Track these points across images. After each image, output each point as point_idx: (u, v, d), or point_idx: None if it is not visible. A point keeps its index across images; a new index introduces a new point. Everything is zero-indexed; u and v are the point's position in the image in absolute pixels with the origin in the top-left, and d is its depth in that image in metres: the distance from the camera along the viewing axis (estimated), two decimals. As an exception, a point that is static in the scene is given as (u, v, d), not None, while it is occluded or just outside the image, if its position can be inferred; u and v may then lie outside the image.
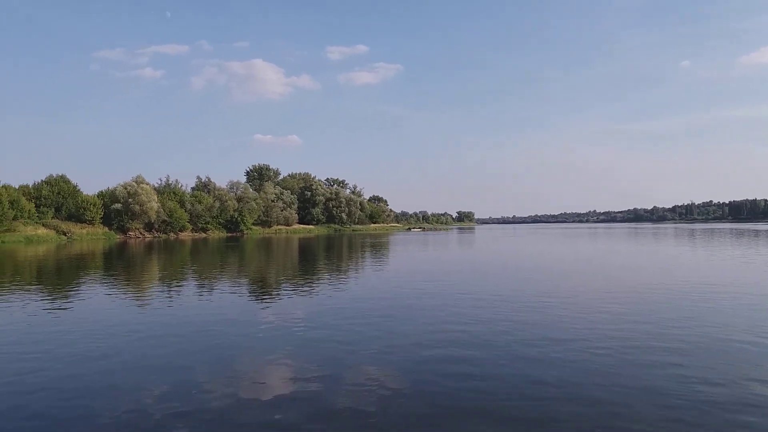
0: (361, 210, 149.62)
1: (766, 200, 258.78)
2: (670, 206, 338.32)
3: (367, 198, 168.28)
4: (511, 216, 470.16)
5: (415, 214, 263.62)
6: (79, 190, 77.64)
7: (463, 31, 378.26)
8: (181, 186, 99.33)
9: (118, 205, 78.72)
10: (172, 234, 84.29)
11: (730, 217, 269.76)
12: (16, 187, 70.08)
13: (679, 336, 9.53)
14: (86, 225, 74.07)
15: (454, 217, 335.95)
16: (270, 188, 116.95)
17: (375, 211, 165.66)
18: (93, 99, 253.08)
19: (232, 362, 8.28)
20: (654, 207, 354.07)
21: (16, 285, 18.90)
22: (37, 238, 63.24)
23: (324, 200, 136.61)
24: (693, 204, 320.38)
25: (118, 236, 76.64)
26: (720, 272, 21.00)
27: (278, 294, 16.56)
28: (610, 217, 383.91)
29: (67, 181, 76.76)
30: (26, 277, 22.34)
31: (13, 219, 62.29)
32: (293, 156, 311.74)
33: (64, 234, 67.89)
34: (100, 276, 22.63)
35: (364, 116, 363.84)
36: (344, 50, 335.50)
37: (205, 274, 23.09)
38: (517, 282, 19.07)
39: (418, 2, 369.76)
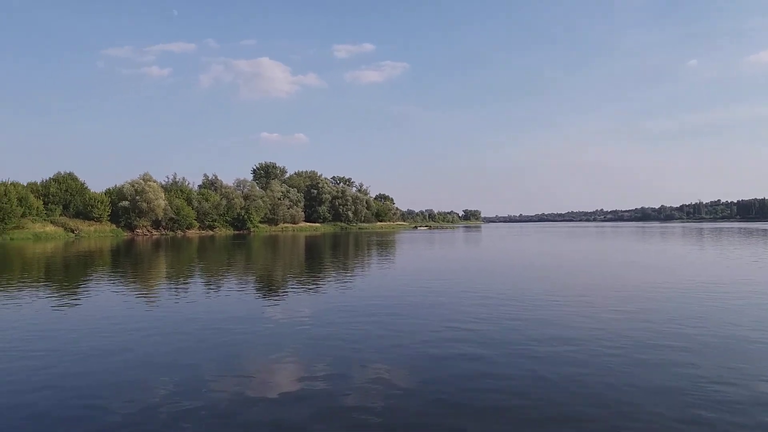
0: (367, 208, 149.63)
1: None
2: (678, 205, 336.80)
3: (374, 196, 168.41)
4: (517, 215, 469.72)
5: (422, 212, 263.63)
6: (86, 187, 78.04)
7: (470, 29, 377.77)
8: (188, 184, 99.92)
9: (125, 203, 79.05)
10: (179, 231, 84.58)
11: (738, 217, 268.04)
12: (25, 184, 70.50)
13: (691, 335, 9.44)
14: (94, 222, 74.41)
15: (460, 215, 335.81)
16: (276, 186, 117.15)
17: (381, 209, 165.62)
18: (100, 97, 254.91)
19: (239, 360, 8.27)
20: (662, 206, 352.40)
21: (25, 282, 18.98)
22: (46, 235, 63.59)
23: (330, 198, 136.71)
24: (701, 203, 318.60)
25: (126, 234, 76.94)
26: (729, 271, 20.82)
27: (285, 292, 16.56)
28: (617, 216, 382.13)
29: (74, 179, 77.13)
30: (34, 274, 22.44)
31: (21, 216, 62.61)
32: (300, 154, 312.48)
33: (72, 231, 68.23)
34: (107, 273, 22.71)
35: (371, 114, 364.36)
36: (351, 48, 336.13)
37: (213, 272, 23.13)
38: (525, 280, 18.97)
39: (424, 0, 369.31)
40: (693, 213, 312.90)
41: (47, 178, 75.86)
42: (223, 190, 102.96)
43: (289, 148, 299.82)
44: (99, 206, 75.31)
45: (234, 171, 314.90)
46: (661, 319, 10.99)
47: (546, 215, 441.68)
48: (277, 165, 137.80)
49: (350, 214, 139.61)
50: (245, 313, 12.54)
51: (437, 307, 13.05)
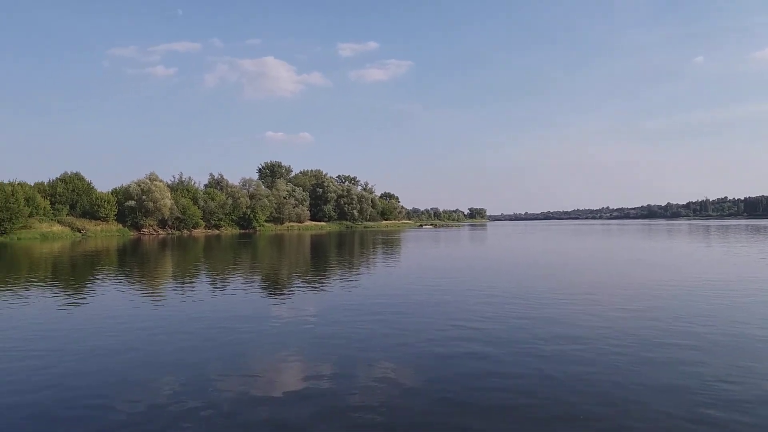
0: (372, 207, 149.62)
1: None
2: (684, 203, 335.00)
3: (379, 195, 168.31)
4: (523, 213, 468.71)
5: (427, 210, 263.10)
6: (93, 187, 78.31)
7: (474, 27, 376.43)
8: (194, 183, 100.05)
9: (131, 202, 79.36)
10: (185, 231, 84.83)
11: (745, 214, 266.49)
12: (32, 184, 70.90)
13: (698, 333, 9.38)
14: (100, 222, 74.76)
15: (465, 213, 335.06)
16: (282, 185, 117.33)
17: (386, 207, 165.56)
18: (106, 97, 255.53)
19: (244, 359, 8.28)
20: (668, 203, 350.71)
21: (31, 281, 19.08)
22: (52, 234, 63.90)
23: (336, 197, 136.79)
24: (707, 200, 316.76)
25: (132, 233, 77.22)
26: (736, 269, 20.69)
27: (290, 290, 16.58)
28: (623, 214, 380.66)
29: (81, 179, 77.45)
30: (41, 273, 22.55)
31: (28, 216, 62.93)
32: (305, 153, 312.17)
33: (79, 231, 68.53)
34: (113, 272, 22.80)
35: (376, 113, 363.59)
36: (355, 47, 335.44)
37: (218, 271, 23.18)
38: (531, 278, 18.92)
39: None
40: (700, 210, 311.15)
41: (54, 178, 76.24)
42: (228, 189, 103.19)
43: (294, 147, 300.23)
44: (105, 206, 75.65)
45: (239, 170, 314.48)
46: (668, 317, 10.93)
47: (551, 213, 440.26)
48: (282, 164, 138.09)
49: (355, 212, 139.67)
50: (251, 312, 12.55)
51: (443, 305, 13.04)
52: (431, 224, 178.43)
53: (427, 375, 7.27)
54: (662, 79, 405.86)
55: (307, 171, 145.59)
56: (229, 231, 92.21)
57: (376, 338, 9.46)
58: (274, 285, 18.25)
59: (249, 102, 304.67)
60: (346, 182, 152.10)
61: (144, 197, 79.26)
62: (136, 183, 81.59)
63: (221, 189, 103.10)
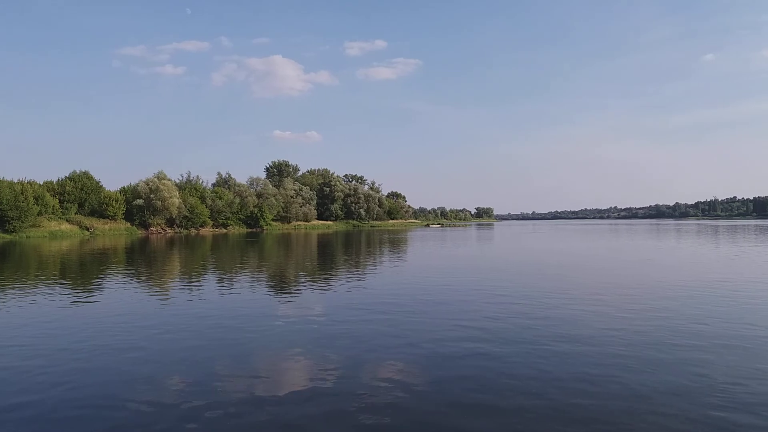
0: (379, 206, 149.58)
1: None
2: (693, 202, 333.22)
3: (386, 194, 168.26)
4: (530, 212, 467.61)
5: (434, 210, 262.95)
6: (101, 186, 78.86)
7: (482, 25, 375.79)
8: (202, 182, 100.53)
9: (140, 201, 79.78)
10: (193, 229, 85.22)
11: (754, 213, 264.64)
12: (41, 183, 71.50)
13: (706, 334, 9.31)
14: (109, 220, 75.26)
15: (472, 213, 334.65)
16: (289, 184, 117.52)
17: (393, 207, 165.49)
18: (115, 95, 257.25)
19: (251, 358, 8.28)
20: (676, 203, 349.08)
21: (39, 279, 19.20)
22: (61, 233, 64.37)
23: (342, 196, 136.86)
24: (716, 200, 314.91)
25: (140, 232, 77.67)
26: (745, 270, 20.52)
27: (297, 290, 16.59)
28: (631, 214, 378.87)
29: (90, 177, 77.94)
30: (50, 271, 22.70)
31: (37, 214, 63.44)
32: (312, 152, 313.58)
33: (87, 229, 69.00)
34: (121, 271, 22.92)
35: (383, 112, 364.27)
36: (363, 45, 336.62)
37: (226, 270, 23.25)
38: (538, 278, 18.86)
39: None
40: (708, 210, 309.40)
41: (63, 177, 76.82)
42: (236, 188, 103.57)
43: (302, 145, 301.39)
44: (114, 204, 76.11)
45: (247, 169, 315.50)
46: (676, 317, 10.86)
47: (559, 213, 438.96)
48: (289, 163, 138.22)
49: (362, 211, 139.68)
50: (257, 311, 12.57)
51: (449, 305, 13.01)
52: (438, 224, 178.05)
53: (435, 375, 7.24)
54: (671, 78, 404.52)
55: (314, 170, 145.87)
56: (237, 230, 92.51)
57: (383, 338, 9.44)
58: (280, 284, 18.28)
59: (257, 101, 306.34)
60: (353, 181, 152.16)
61: (152, 196, 79.66)
62: (144, 182, 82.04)
63: (229, 188, 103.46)
